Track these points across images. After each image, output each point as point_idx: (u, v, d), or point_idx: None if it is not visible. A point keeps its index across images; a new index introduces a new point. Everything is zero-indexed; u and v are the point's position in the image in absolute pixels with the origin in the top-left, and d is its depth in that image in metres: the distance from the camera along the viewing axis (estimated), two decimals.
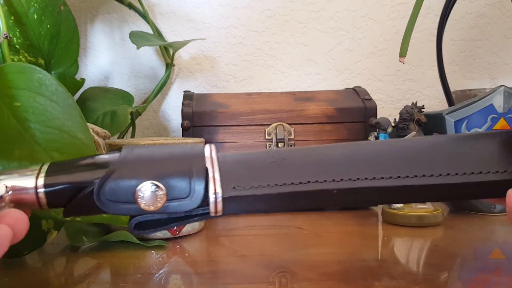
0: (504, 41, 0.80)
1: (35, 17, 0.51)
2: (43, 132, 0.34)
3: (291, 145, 0.59)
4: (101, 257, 0.41)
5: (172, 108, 0.78)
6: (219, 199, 0.26)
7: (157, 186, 0.26)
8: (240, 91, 0.76)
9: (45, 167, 0.27)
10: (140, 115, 0.73)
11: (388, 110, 0.78)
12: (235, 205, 0.27)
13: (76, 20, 0.59)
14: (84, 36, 0.77)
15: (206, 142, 0.58)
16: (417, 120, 0.52)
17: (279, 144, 0.59)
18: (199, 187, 0.26)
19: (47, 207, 0.27)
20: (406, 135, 0.52)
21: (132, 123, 0.69)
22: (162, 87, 0.75)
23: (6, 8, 0.49)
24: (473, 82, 0.80)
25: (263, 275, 0.35)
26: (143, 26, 0.76)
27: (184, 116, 0.60)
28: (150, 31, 0.73)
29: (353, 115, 0.60)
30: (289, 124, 0.60)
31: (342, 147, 0.30)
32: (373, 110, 0.61)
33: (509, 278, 0.34)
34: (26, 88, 0.34)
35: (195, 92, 0.66)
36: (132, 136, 0.70)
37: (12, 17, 0.50)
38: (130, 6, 0.73)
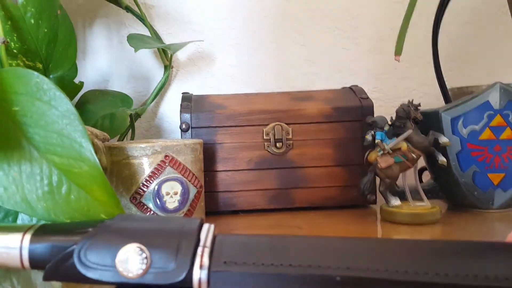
0: (500, 38, 0.80)
1: (32, 21, 0.52)
2: (42, 136, 0.34)
3: (289, 145, 0.59)
4: None
5: (171, 110, 0.79)
6: (204, 274, 0.24)
7: (141, 250, 0.24)
8: (238, 92, 0.76)
9: (36, 226, 0.27)
10: (139, 117, 0.73)
11: (386, 109, 0.78)
12: (222, 283, 0.24)
13: (74, 24, 0.59)
14: (82, 40, 0.77)
15: (205, 143, 0.58)
16: (414, 118, 0.52)
17: (277, 144, 0.59)
18: (185, 258, 0.24)
19: (29, 267, 0.26)
20: (403, 133, 0.52)
21: (132, 126, 0.69)
22: (160, 89, 0.75)
23: (3, 13, 0.49)
24: (469, 79, 0.80)
25: None
26: (141, 29, 0.76)
27: (182, 117, 0.60)
28: (148, 33, 0.73)
29: (350, 114, 0.61)
30: (287, 124, 0.60)
31: (349, 240, 0.28)
32: (370, 109, 0.61)
33: None
34: (24, 93, 0.35)
35: (194, 94, 0.67)
36: (132, 138, 0.70)
37: (9, 22, 0.50)
38: (128, 9, 0.73)
